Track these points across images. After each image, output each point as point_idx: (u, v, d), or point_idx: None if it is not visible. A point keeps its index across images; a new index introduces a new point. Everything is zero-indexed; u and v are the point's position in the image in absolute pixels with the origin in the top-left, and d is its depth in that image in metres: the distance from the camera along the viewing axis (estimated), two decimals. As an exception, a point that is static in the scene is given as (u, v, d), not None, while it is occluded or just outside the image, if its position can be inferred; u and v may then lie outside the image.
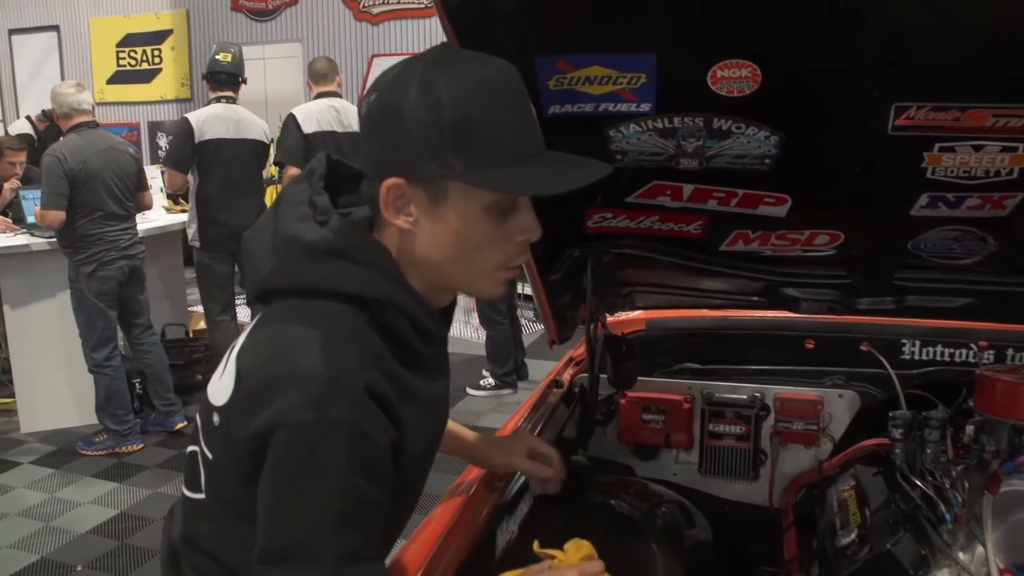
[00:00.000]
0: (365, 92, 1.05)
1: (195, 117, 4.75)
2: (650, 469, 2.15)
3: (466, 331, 7.09)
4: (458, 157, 0.97)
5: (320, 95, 4.96)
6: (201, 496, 1.10)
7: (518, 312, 5.62)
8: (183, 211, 5.72)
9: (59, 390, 4.81)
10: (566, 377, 2.16)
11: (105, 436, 4.49)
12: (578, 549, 1.20)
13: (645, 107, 1.45)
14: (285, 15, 10.17)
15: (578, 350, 2.23)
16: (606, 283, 1.95)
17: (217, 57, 4.85)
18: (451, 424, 1.43)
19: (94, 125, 4.40)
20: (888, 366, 1.89)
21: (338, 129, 4.84)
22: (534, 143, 1.02)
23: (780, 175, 1.56)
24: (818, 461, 2.00)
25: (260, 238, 1.10)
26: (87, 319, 4.33)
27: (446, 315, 1.17)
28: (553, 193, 0.99)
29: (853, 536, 1.59)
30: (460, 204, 1.01)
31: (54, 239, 4.41)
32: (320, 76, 5.02)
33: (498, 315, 5.24)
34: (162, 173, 5.65)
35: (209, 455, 1.07)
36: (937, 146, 1.41)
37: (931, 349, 2.07)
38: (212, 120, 4.73)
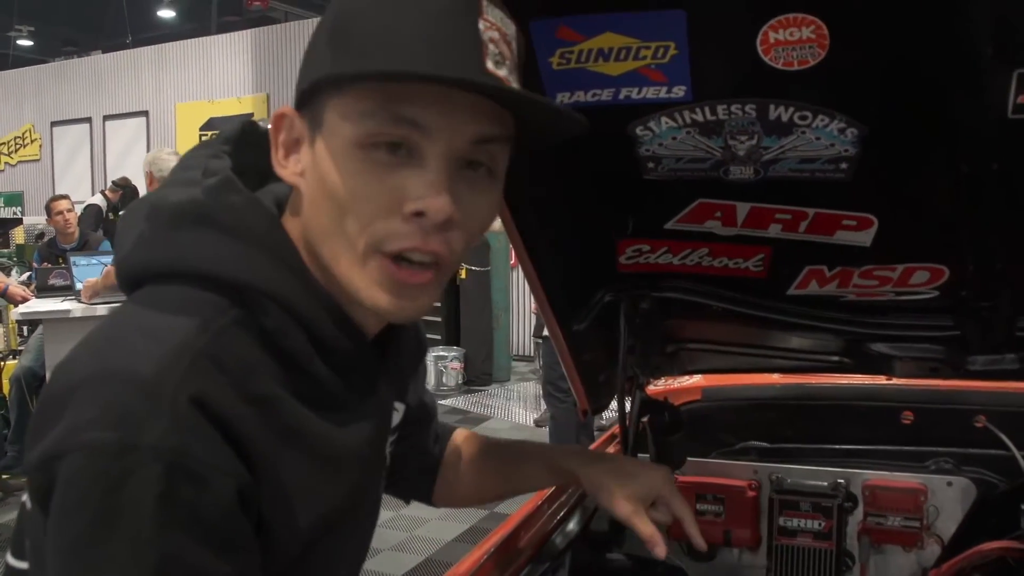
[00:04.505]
0: None
1: None
2: (706, 572, 1.76)
3: (528, 416, 6.78)
4: (337, 61, 0.70)
5: None
6: (24, 566, 0.77)
7: None
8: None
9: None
10: (605, 456, 1.80)
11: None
12: None
13: (679, 91, 1.12)
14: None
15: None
16: (646, 337, 1.58)
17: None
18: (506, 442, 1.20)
19: None
20: (1013, 446, 1.52)
21: None
22: (449, 62, 0.69)
23: (862, 186, 1.20)
24: (922, 568, 1.61)
25: (135, 213, 0.81)
26: None
27: (384, 342, 0.86)
28: (415, 75, 0.67)
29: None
30: (330, 133, 0.71)
31: (96, 305, 4.34)
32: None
33: (560, 392, 4.88)
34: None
35: (28, 504, 0.75)
36: (1082, 133, 1.03)
37: None
38: None
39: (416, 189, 0.70)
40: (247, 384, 0.69)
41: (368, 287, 0.73)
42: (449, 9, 0.70)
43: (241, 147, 0.85)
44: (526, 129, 0.76)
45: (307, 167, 0.74)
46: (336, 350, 0.77)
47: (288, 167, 0.76)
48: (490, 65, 0.70)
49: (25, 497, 0.77)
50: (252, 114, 10.87)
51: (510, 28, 0.75)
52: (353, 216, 0.71)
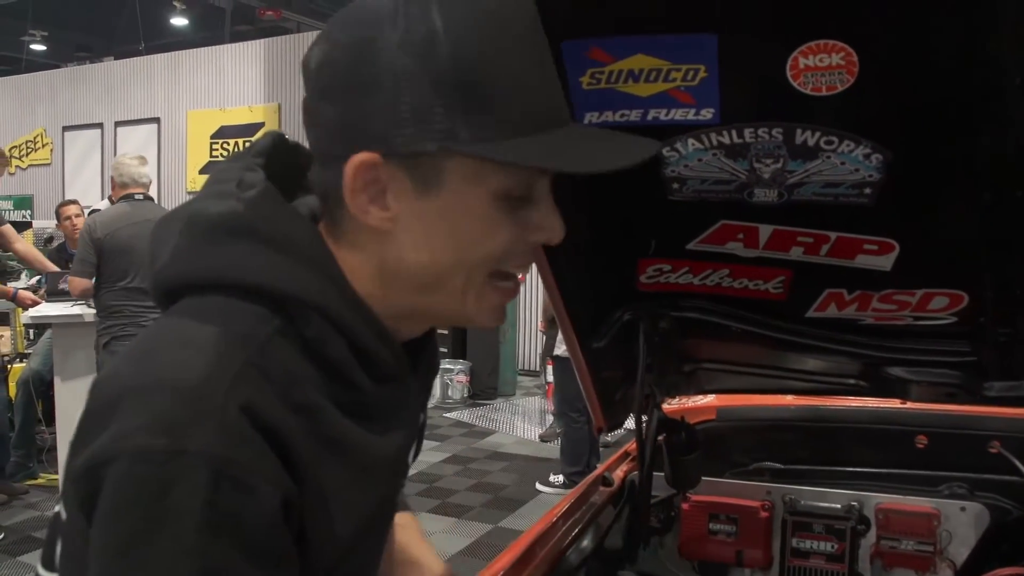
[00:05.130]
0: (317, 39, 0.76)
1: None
2: (718, 592, 1.74)
3: (533, 431, 6.74)
4: (466, 122, 0.68)
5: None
6: None
7: None
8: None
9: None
10: (618, 474, 1.80)
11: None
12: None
13: (707, 114, 1.13)
14: (373, 108, 10.33)
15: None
16: (664, 356, 1.59)
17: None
18: None
19: (142, 198, 4.32)
20: None
21: None
22: (560, 106, 0.74)
23: (884, 212, 1.21)
24: (934, 593, 1.58)
25: (170, 225, 0.80)
26: None
27: (416, 348, 0.85)
28: (605, 169, 0.70)
29: None
30: (463, 189, 0.71)
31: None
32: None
33: (574, 411, 4.87)
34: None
35: (63, 514, 0.74)
36: (1107, 163, 1.04)
37: None
38: None
39: (544, 220, 0.75)
40: (291, 393, 0.69)
41: (480, 312, 0.78)
42: (543, 50, 0.73)
43: (272, 160, 0.86)
44: None
45: (405, 215, 0.73)
46: (376, 360, 0.77)
47: (372, 213, 0.73)
48: None
49: (59, 507, 0.78)
50: (264, 123, 10.90)
51: None
52: (482, 254, 0.74)
